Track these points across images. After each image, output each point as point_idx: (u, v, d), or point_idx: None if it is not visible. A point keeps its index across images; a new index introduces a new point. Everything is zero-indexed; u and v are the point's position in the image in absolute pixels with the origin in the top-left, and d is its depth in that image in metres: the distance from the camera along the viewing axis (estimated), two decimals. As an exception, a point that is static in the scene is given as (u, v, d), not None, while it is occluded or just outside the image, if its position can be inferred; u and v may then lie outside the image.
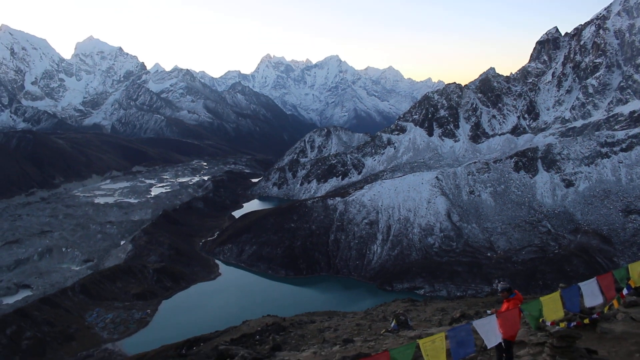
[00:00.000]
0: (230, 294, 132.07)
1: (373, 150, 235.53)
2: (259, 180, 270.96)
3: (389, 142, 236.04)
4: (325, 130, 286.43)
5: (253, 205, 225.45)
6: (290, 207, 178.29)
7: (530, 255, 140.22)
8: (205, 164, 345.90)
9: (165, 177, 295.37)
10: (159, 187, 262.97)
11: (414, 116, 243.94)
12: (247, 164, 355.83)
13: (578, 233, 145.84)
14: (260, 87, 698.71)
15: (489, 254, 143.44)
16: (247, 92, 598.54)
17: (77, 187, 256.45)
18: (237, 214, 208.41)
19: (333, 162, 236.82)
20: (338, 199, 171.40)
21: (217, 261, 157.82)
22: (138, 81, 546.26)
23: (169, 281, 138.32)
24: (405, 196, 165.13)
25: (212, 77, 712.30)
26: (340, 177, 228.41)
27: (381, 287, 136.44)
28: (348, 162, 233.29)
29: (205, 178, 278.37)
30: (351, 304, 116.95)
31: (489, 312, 25.67)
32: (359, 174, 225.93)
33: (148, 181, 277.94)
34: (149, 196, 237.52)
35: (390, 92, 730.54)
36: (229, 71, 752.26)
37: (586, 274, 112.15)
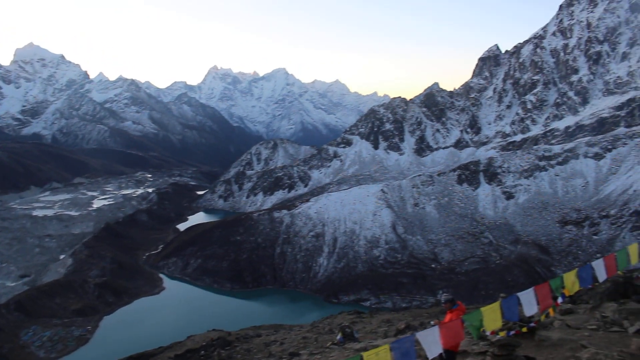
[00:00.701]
0: (174, 309, 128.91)
1: (319, 163, 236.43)
2: (204, 193, 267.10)
3: (336, 155, 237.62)
4: (272, 142, 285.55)
5: (198, 218, 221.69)
6: (236, 219, 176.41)
7: (473, 265, 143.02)
8: (149, 175, 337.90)
9: (108, 189, 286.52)
10: (102, 199, 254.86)
11: (360, 129, 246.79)
12: (192, 176, 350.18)
13: (518, 244, 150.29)
14: (207, 98, 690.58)
15: (433, 265, 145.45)
16: (194, 103, 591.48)
17: (14, 199, 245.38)
18: (182, 226, 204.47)
19: (280, 174, 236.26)
20: (284, 211, 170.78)
21: (161, 275, 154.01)
22: (81, 90, 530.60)
23: (111, 296, 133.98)
24: (351, 209, 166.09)
25: (158, 88, 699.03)
26: (287, 189, 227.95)
27: (327, 299, 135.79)
28: (294, 175, 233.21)
29: (150, 190, 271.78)
30: (298, 316, 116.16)
31: (432, 323, 25.93)
32: (306, 186, 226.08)
33: (90, 193, 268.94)
34: (90, 209, 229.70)
35: (337, 105, 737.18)
36: (175, 82, 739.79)
37: (526, 283, 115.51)
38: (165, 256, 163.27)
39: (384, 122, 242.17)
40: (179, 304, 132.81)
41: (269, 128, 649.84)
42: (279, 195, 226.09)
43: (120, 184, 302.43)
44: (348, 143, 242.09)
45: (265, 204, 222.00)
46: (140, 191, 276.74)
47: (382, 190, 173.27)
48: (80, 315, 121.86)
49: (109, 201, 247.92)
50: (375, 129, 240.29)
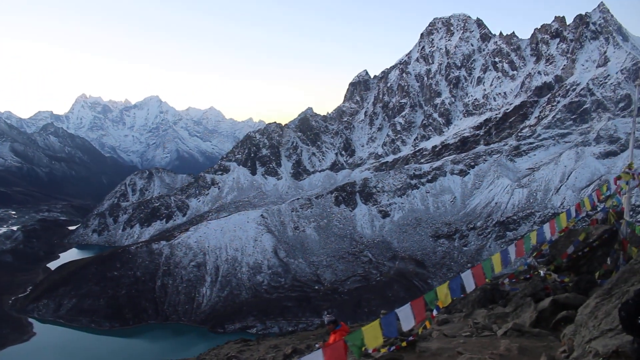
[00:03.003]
0: (48, 356, 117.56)
1: (197, 191, 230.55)
2: (76, 228, 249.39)
3: (213, 183, 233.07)
4: (147, 172, 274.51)
5: (71, 255, 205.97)
6: (113, 254, 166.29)
7: (355, 284, 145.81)
8: (13, 212, 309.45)
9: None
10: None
11: (237, 156, 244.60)
12: (63, 210, 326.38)
13: (396, 260, 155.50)
14: (76, 128, 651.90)
15: (316, 287, 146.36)
16: (61, 133, 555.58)
17: None
18: (53, 265, 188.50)
19: (156, 204, 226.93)
20: (163, 242, 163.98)
21: (30, 320, 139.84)
22: None
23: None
24: (232, 236, 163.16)
25: (20, 118, 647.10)
26: (165, 220, 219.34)
27: (213, 329, 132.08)
28: (172, 204, 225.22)
29: (14, 228, 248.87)
30: (183, 350, 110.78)
31: (317, 345, 24.57)
32: (184, 215, 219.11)
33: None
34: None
35: (213, 132, 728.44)
36: (39, 111, 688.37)
37: (406, 297, 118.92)
38: (34, 298, 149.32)
39: (261, 148, 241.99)
40: (52, 350, 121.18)
41: (144, 157, 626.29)
42: (157, 226, 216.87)
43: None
44: (225, 170, 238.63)
45: (143, 235, 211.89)
46: (3, 229, 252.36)
47: (261, 215, 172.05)
48: None
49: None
50: (252, 155, 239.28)
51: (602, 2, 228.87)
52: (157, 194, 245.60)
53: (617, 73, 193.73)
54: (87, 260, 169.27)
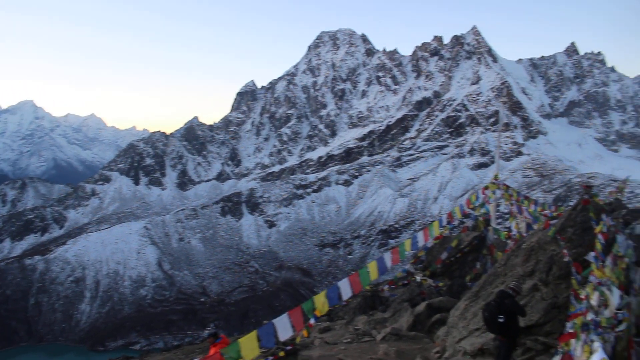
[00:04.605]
0: None
1: (76, 202, 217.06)
2: None
3: (94, 193, 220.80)
4: (20, 182, 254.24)
5: None
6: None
7: (241, 295, 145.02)
8: None
9: None
10: None
11: (120, 165, 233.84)
12: None
13: (282, 269, 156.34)
14: None
15: (202, 299, 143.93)
16: None
17: None
18: None
19: (30, 216, 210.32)
20: (38, 257, 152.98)
21: None
22: None
23: None
24: (113, 248, 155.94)
25: None
26: (40, 232, 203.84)
27: (93, 348, 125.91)
28: (48, 216, 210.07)
29: None
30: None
31: (195, 359, 23.99)
32: (62, 228, 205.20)
33: None
34: None
35: (94, 140, 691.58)
36: None
37: (292, 307, 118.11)
38: None
39: (144, 157, 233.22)
40: None
41: (16, 166, 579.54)
42: (31, 240, 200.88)
43: None
44: (107, 180, 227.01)
45: (14, 250, 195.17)
46: None
47: (145, 227, 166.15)
48: None
49: None
50: (136, 164, 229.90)
51: (474, 25, 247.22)
52: (31, 205, 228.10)
53: (487, 91, 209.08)
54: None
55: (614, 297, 8.93)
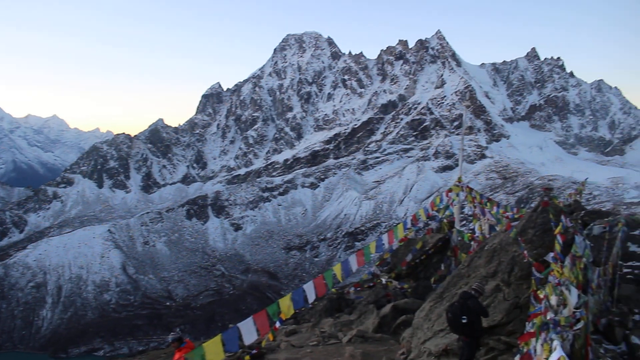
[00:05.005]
0: None
1: (37, 206, 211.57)
2: None
3: (55, 196, 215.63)
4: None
5: None
6: None
7: (208, 299, 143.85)
8: None
9: None
10: None
11: (82, 167, 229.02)
12: None
13: (249, 272, 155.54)
14: None
15: (168, 303, 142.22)
16: None
17: None
18: None
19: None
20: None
21: None
22: None
23: None
24: (76, 252, 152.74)
25: None
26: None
27: (54, 355, 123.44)
28: (7, 220, 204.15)
29: None
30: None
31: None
32: (21, 232, 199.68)
33: None
34: None
35: (56, 142, 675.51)
36: None
37: (259, 310, 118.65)
38: None
39: (108, 160, 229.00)
40: None
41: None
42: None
43: None
44: (69, 182, 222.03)
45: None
46: None
47: (109, 230, 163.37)
48: None
49: None
50: (99, 167, 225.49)
51: (439, 30, 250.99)
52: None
53: (451, 94, 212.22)
54: None
55: (572, 296, 9.18)
